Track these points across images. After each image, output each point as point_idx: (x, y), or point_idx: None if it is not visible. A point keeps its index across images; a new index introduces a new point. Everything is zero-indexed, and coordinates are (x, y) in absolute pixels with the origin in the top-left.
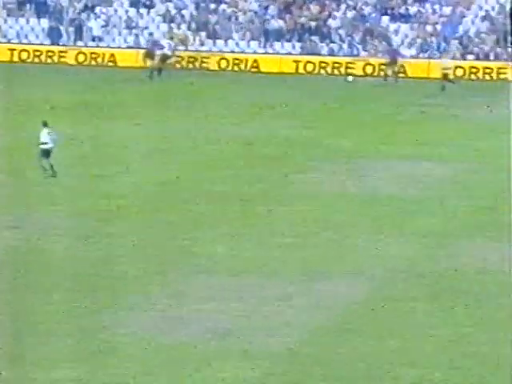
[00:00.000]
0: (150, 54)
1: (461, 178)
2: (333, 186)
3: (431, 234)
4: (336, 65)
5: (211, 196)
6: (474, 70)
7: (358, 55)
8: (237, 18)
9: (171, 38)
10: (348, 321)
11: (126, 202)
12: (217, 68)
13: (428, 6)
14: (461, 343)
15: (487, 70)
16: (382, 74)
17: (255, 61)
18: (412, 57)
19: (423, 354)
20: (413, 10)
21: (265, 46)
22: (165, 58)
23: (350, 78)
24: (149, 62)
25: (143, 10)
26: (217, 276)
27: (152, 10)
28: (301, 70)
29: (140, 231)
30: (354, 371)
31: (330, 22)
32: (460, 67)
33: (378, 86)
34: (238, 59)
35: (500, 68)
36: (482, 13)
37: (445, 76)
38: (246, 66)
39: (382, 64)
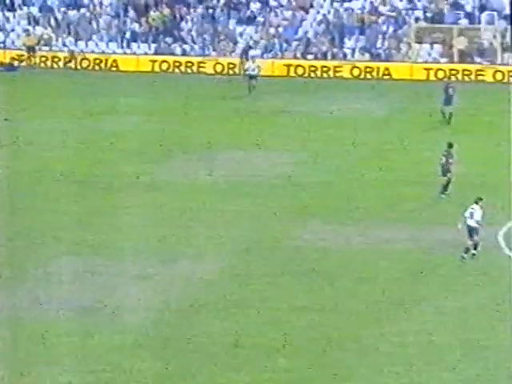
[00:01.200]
0: None
1: (300, 164)
2: (187, 175)
3: (275, 216)
4: (188, 64)
5: (74, 183)
6: (313, 69)
7: (208, 55)
8: (97, 21)
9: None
10: (201, 298)
11: None
12: (79, 67)
13: (271, 9)
14: (295, 313)
15: (324, 69)
16: (230, 72)
17: (114, 60)
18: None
19: (263, 324)
20: (257, 13)
21: (123, 47)
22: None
23: None
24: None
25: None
26: (81, 257)
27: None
28: (156, 69)
29: None
30: (210, 345)
31: (183, 24)
32: (300, 66)
33: (227, 83)
34: (98, 59)
35: (336, 67)
36: (320, 16)
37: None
38: (106, 65)
39: (231, 63)
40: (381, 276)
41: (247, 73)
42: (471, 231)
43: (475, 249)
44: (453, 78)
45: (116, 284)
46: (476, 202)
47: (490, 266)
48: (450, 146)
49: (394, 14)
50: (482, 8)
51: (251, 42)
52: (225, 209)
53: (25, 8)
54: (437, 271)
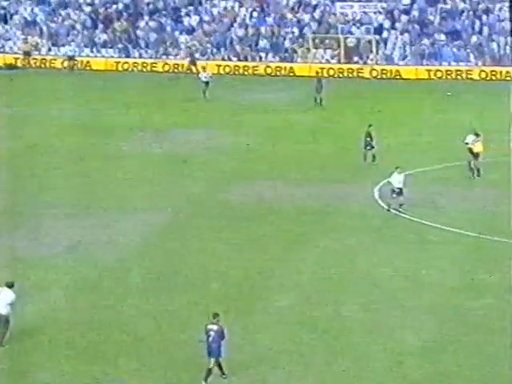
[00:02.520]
0: None
1: (227, 137)
2: (143, 148)
3: (213, 177)
4: (144, 64)
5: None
6: (237, 68)
7: (159, 57)
8: (74, 31)
9: None
10: (150, 238)
11: None
12: (60, 67)
13: (205, 22)
14: (234, 257)
15: (245, 68)
16: (176, 71)
17: (88, 62)
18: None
19: (199, 254)
20: (196, 25)
21: (93, 51)
22: None
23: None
24: None
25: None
26: (64, 207)
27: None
28: (120, 69)
29: None
30: (156, 272)
31: (138, 33)
32: (228, 66)
33: (175, 80)
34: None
35: (254, 66)
36: (242, 29)
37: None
38: (81, 65)
39: (176, 64)
40: (284, 217)
41: (202, 80)
42: (394, 193)
43: (397, 206)
44: (340, 75)
45: (92, 224)
46: (396, 168)
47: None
48: (370, 125)
49: (295, 26)
50: (361, 23)
51: (193, 48)
52: (171, 172)
53: (16, 19)
54: (335, 218)
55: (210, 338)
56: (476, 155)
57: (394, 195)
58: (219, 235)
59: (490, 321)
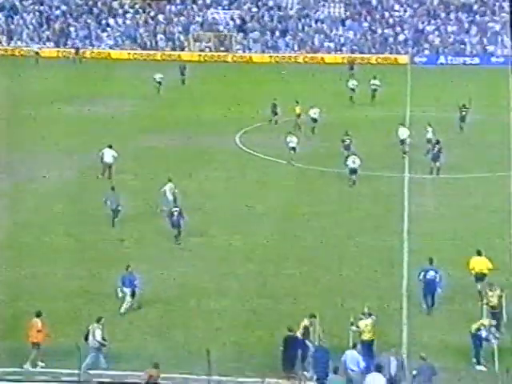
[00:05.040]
0: None
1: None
2: (78, 113)
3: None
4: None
5: None
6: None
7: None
8: (26, 27)
9: None
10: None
11: None
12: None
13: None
14: (153, 222)
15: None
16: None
17: (37, 53)
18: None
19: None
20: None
21: (41, 44)
22: None
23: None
24: None
25: None
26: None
27: None
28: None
29: None
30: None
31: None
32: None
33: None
34: (27, 51)
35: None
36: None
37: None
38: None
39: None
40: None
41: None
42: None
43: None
44: (215, 60)
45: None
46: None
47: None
48: (275, 99)
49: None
50: (226, 23)
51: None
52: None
53: None
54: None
55: None
56: (298, 116)
57: None
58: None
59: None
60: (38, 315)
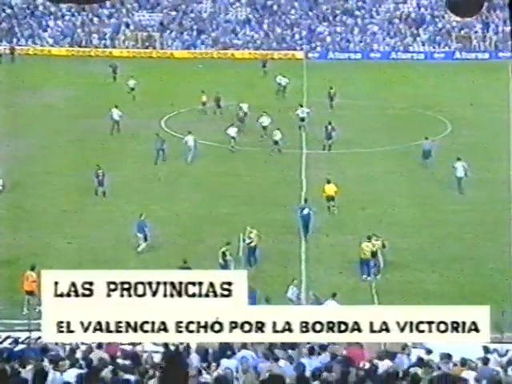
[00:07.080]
0: None
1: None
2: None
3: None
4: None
5: None
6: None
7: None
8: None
9: None
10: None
11: None
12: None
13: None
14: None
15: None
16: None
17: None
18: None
19: None
20: None
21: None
22: None
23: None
24: None
25: None
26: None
27: None
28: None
29: None
30: None
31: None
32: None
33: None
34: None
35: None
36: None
37: None
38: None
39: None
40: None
41: None
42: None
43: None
44: (142, 56)
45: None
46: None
47: None
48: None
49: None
50: (150, 25)
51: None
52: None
53: None
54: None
55: None
56: (203, 104)
57: None
58: None
59: None
60: (33, 268)
